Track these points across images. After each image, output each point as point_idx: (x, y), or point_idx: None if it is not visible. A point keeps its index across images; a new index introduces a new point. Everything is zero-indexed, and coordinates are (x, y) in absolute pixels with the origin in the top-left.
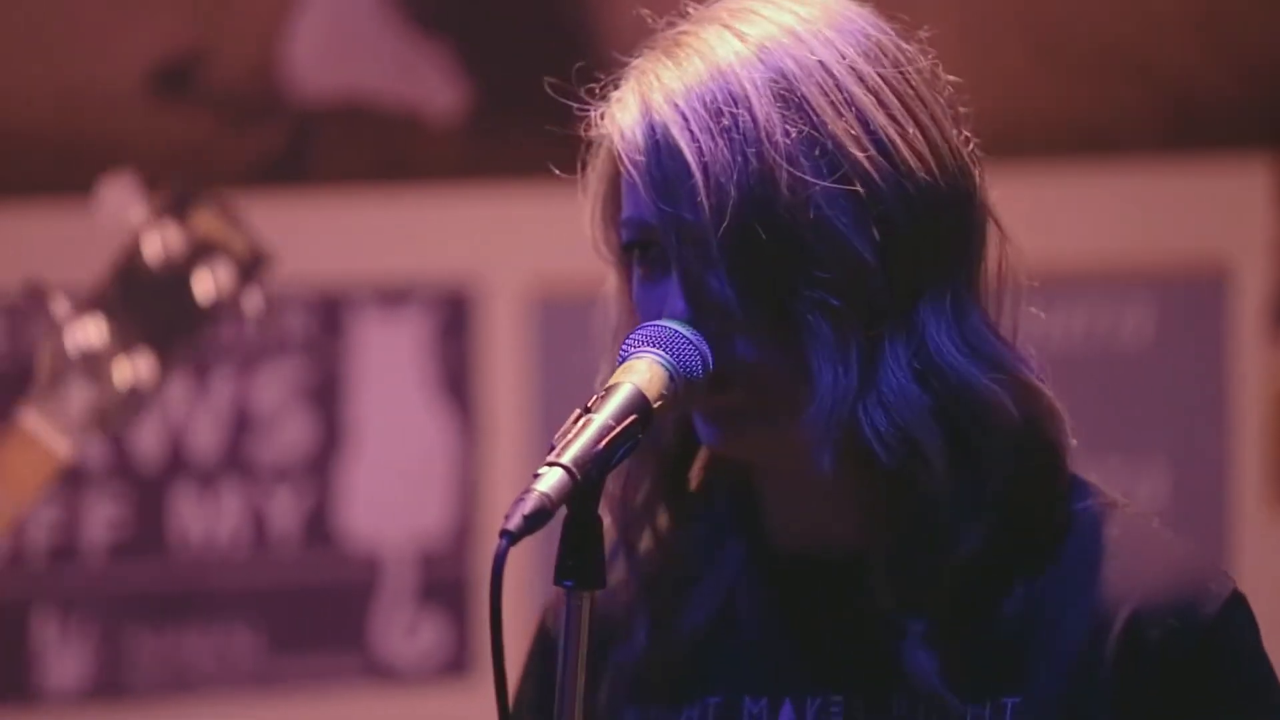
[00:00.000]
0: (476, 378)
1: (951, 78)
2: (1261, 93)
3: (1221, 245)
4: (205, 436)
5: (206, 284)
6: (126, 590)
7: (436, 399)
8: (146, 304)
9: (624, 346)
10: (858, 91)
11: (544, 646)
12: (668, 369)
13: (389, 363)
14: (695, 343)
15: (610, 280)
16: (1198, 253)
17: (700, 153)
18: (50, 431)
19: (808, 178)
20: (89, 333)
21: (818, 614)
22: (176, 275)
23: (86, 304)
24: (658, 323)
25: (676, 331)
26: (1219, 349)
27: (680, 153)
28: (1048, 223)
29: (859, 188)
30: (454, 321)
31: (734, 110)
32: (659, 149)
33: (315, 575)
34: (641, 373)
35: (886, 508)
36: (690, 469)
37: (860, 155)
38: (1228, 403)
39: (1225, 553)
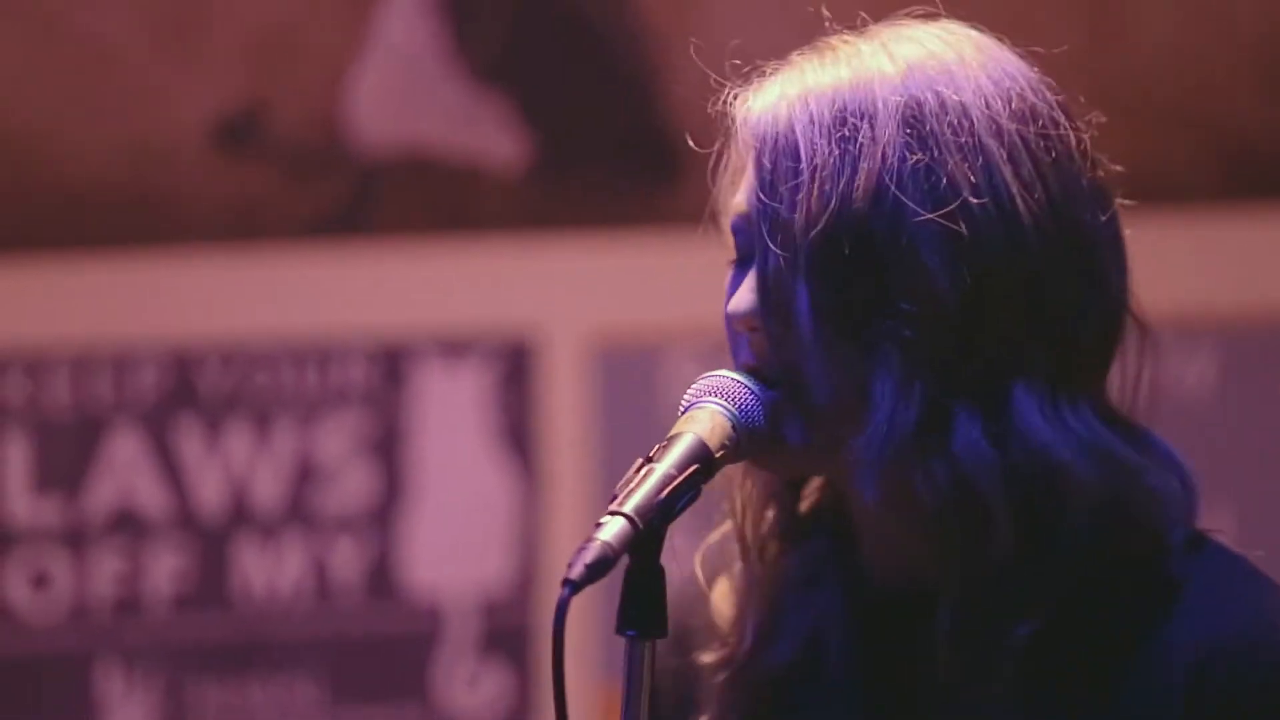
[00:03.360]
0: (537, 428)
1: (1116, 168)
2: None
3: None
4: (268, 487)
5: None
6: (190, 642)
7: (498, 449)
8: None
9: (686, 396)
10: (991, 143)
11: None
12: (730, 419)
13: (450, 413)
14: (757, 393)
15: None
16: (1260, 302)
17: (812, 155)
18: None
19: (910, 205)
20: None
21: (907, 654)
22: None
23: None
24: (720, 373)
25: (739, 381)
26: None
27: (795, 151)
28: None
29: (963, 230)
30: (515, 372)
31: (857, 122)
32: (774, 141)
33: (377, 626)
34: (704, 422)
35: (960, 563)
36: (800, 499)
37: (973, 200)
38: None
39: None
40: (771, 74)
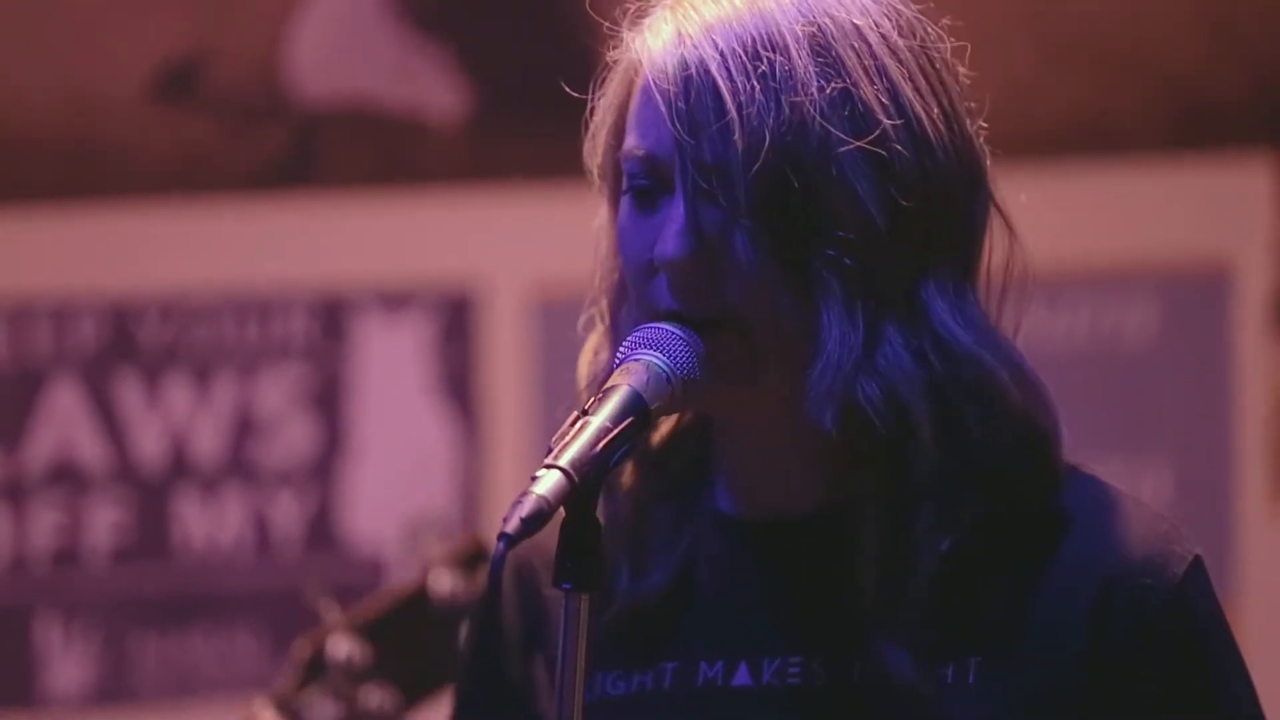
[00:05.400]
0: (478, 380)
1: (963, 70)
2: (1265, 92)
3: (1224, 244)
4: (208, 440)
5: None
6: (130, 594)
7: (438, 401)
8: (414, 639)
9: (621, 349)
10: (890, 63)
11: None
12: (664, 370)
13: (391, 366)
14: (691, 343)
15: (601, 214)
16: (1201, 251)
17: (736, 93)
18: None
19: (835, 133)
20: (351, 650)
21: (777, 576)
22: (451, 620)
23: (358, 621)
24: (654, 324)
25: (672, 332)
26: (1222, 347)
27: (716, 90)
28: (1052, 221)
29: (883, 153)
30: (456, 324)
31: (771, 56)
32: (691, 83)
33: (318, 578)
34: (638, 374)
35: (876, 473)
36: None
37: (887, 122)
38: (1231, 400)
39: (1229, 550)
40: (658, 12)
